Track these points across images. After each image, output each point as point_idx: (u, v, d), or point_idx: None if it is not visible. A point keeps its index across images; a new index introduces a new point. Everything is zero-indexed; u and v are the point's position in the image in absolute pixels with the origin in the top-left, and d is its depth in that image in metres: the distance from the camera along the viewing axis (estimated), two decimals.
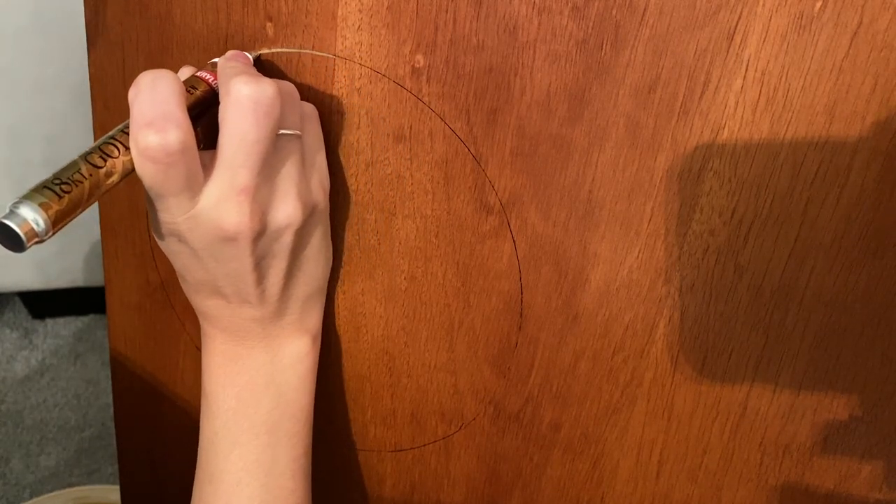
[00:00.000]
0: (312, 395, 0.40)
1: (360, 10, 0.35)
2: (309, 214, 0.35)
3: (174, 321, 0.48)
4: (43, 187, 0.28)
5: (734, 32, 0.29)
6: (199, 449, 0.40)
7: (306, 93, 0.37)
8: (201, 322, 0.39)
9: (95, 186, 0.30)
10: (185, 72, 0.35)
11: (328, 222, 0.38)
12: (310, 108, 0.37)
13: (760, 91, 0.30)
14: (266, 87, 0.32)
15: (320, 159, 0.37)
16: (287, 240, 0.35)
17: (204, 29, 0.39)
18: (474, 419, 0.41)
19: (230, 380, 0.38)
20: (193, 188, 0.32)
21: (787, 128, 0.30)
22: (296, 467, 0.39)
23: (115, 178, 0.31)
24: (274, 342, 0.38)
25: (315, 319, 0.40)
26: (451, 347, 0.40)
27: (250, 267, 0.34)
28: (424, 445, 0.43)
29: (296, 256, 0.36)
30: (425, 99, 0.35)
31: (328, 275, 0.40)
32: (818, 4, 0.28)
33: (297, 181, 0.34)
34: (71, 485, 1.07)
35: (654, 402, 0.37)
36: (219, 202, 0.32)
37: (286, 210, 0.34)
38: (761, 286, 0.33)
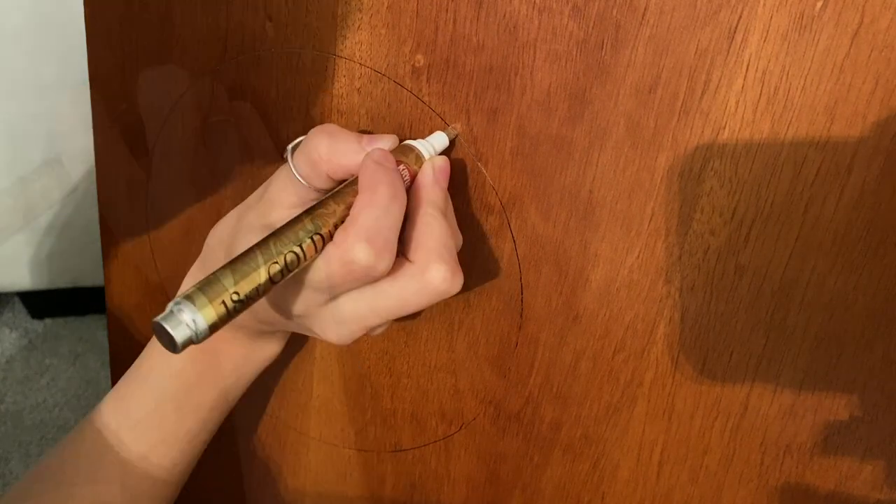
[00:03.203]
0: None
1: (359, 10, 0.34)
2: None
3: None
4: (220, 301, 0.26)
5: (735, 32, 0.29)
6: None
7: (306, 93, 0.37)
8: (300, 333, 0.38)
9: (258, 297, 0.28)
10: (388, 142, 0.34)
11: None
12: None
13: (761, 91, 0.30)
14: (458, 285, 0.31)
15: None
16: None
17: (204, 29, 0.39)
18: (474, 419, 0.41)
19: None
20: None
21: (788, 127, 0.30)
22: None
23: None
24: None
25: None
26: (451, 347, 0.40)
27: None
28: (424, 445, 0.43)
29: None
30: (425, 99, 0.35)
31: None
32: (819, 4, 0.28)
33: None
34: None
35: (654, 402, 0.37)
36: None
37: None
38: (762, 286, 0.33)
